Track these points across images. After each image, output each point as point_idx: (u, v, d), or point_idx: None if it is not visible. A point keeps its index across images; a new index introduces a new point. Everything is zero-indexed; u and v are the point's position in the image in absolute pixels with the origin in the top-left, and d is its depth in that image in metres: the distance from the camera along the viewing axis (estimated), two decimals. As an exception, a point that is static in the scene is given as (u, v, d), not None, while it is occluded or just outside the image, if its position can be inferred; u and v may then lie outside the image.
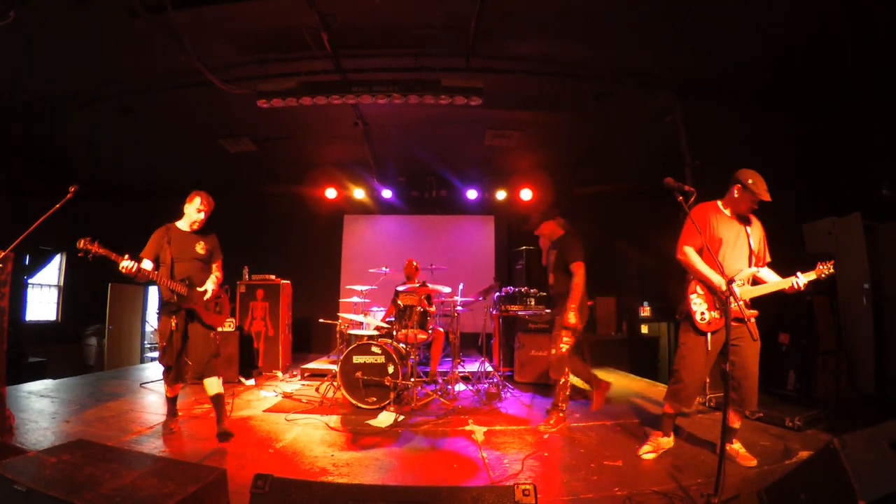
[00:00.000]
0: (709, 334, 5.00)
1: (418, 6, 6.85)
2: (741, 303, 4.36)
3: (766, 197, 4.97)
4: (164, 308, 5.82)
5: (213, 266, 6.26)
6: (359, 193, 13.77)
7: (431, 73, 8.02)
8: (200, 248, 6.02)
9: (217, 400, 5.94)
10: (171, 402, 6.10)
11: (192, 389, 7.52)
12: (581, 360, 6.98)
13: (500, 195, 13.66)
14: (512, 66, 8.14)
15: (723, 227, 5.13)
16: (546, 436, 6.07)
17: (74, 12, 6.47)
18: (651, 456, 5.23)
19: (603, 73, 8.25)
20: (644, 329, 12.50)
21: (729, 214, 5.20)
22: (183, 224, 6.04)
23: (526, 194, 13.30)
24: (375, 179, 13.26)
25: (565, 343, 6.38)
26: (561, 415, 6.45)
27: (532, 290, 9.97)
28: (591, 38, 7.42)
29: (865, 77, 7.60)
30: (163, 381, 6.08)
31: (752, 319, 4.53)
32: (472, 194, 13.59)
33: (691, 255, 5.09)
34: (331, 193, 13.52)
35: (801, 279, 4.75)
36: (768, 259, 5.06)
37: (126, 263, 5.22)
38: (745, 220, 5.15)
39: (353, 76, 8.27)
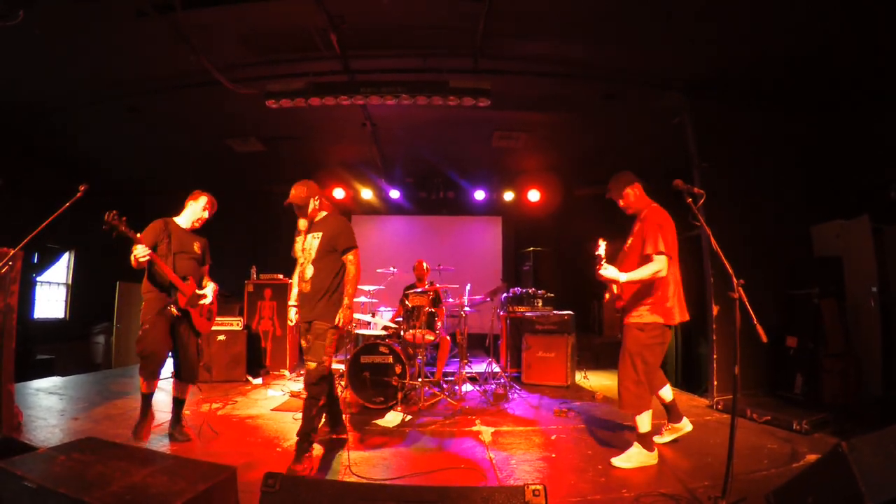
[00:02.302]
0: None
1: (426, 7, 6.84)
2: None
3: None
4: (157, 292, 5.61)
5: (204, 269, 6.16)
6: (366, 194, 13.80)
7: (439, 74, 8.02)
8: (197, 247, 5.93)
9: (179, 403, 5.89)
10: (147, 400, 5.66)
11: (200, 387, 7.54)
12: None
13: (508, 196, 13.68)
14: (520, 67, 8.13)
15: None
16: (553, 437, 6.07)
17: (80, 11, 6.46)
18: (660, 440, 5.66)
19: (610, 73, 8.23)
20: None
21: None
22: (183, 221, 5.96)
23: (534, 195, 13.34)
24: (383, 180, 13.29)
25: (328, 355, 5.23)
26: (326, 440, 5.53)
27: (540, 292, 9.99)
28: (599, 38, 7.40)
29: (875, 78, 7.58)
30: (139, 375, 5.66)
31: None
32: (479, 195, 13.62)
33: None
34: (339, 193, 13.54)
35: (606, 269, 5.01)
36: (646, 251, 5.01)
37: (141, 249, 5.17)
38: (638, 219, 5.40)
39: (361, 77, 8.27)
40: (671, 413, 5.78)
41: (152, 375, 5.57)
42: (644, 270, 4.92)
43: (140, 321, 5.59)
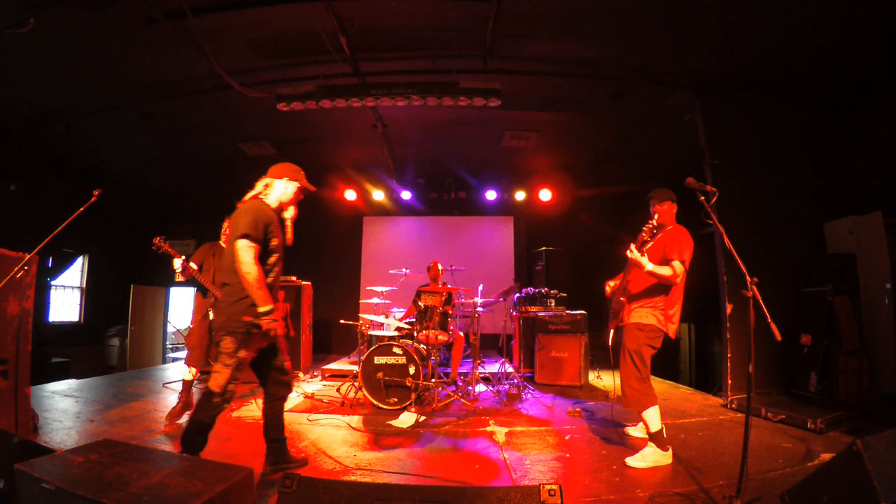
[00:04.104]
0: (611, 332, 5.90)
1: (435, 8, 6.85)
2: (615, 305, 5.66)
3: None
4: (201, 300, 7.05)
5: None
6: (378, 195, 13.83)
7: (449, 75, 8.05)
8: None
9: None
10: (189, 387, 6.96)
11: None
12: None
13: (519, 196, 13.69)
14: (529, 67, 8.14)
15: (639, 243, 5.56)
16: (567, 437, 6.06)
17: (93, 19, 6.51)
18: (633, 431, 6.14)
19: (620, 72, 8.22)
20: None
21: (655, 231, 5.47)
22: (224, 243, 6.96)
23: (545, 195, 13.32)
24: (395, 181, 13.32)
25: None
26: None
27: (552, 291, 9.98)
28: (608, 37, 7.39)
29: (887, 74, 7.55)
30: (185, 363, 6.98)
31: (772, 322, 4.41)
32: (490, 195, 13.64)
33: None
34: (350, 195, 13.59)
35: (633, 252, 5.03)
36: (670, 256, 5.09)
37: (176, 262, 6.37)
38: (661, 230, 5.44)
39: (371, 79, 8.30)
40: None
41: (195, 363, 6.89)
42: (666, 269, 5.00)
43: (190, 321, 7.23)
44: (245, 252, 4.35)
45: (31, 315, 5.44)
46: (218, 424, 6.16)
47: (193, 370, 6.91)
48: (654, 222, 4.93)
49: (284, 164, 5.18)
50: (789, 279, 8.02)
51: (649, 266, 4.96)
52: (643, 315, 5.25)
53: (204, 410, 4.47)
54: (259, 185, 5.01)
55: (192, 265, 6.58)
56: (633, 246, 4.98)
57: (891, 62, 7.23)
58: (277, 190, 5.02)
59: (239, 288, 4.45)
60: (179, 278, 6.60)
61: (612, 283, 5.72)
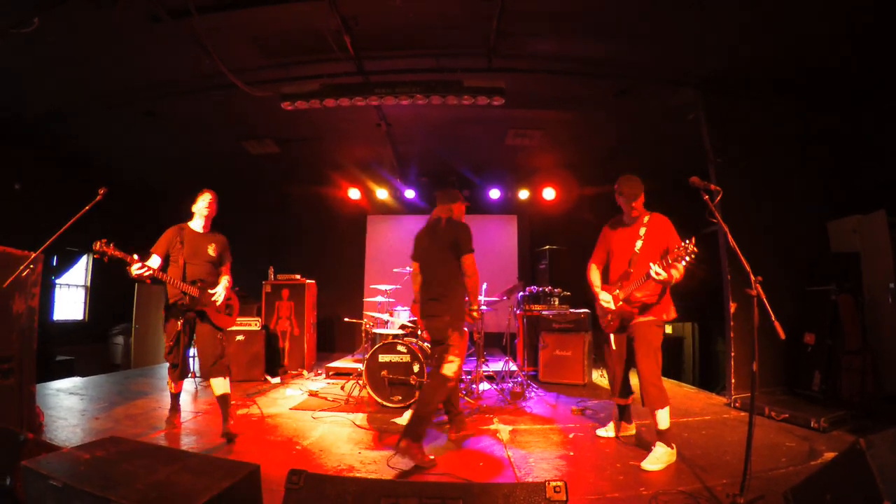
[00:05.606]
0: (611, 335, 5.70)
1: (439, 7, 6.84)
2: (610, 305, 5.46)
3: (619, 197, 5.55)
4: (172, 308, 6.00)
5: (223, 269, 6.39)
6: (382, 194, 13.82)
7: (453, 73, 8.05)
8: (212, 249, 6.19)
9: (223, 400, 5.97)
10: (176, 398, 6.32)
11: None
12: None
13: (523, 194, 13.70)
14: (533, 66, 8.13)
15: (615, 238, 5.65)
16: (571, 435, 6.07)
17: (96, 18, 6.53)
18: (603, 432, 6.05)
19: (624, 70, 8.20)
20: (668, 329, 12.41)
21: (625, 224, 5.61)
22: (196, 225, 6.22)
23: (549, 193, 13.32)
24: (398, 180, 13.31)
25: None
26: None
27: (556, 290, 10.00)
28: (613, 35, 7.36)
29: (892, 74, 7.53)
30: (168, 378, 6.21)
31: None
32: (494, 194, 13.64)
33: (590, 271, 5.86)
34: (354, 194, 13.60)
35: (654, 268, 4.90)
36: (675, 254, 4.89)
37: (136, 267, 5.36)
38: (639, 223, 5.44)
39: (375, 78, 8.30)
40: (626, 414, 5.96)
41: (177, 378, 6.10)
42: (679, 271, 4.94)
43: (164, 335, 6.12)
44: (474, 263, 5.72)
45: (37, 313, 5.47)
46: (220, 421, 6.18)
47: (174, 385, 6.19)
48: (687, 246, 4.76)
49: (456, 191, 6.32)
50: (793, 278, 8.01)
51: (676, 277, 4.93)
52: (665, 311, 5.25)
53: (438, 395, 5.40)
54: (448, 208, 6.19)
55: (152, 265, 5.63)
56: (660, 267, 4.89)
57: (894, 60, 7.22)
58: (460, 211, 6.27)
59: (459, 291, 5.74)
60: (141, 278, 5.60)
61: (607, 300, 5.51)
